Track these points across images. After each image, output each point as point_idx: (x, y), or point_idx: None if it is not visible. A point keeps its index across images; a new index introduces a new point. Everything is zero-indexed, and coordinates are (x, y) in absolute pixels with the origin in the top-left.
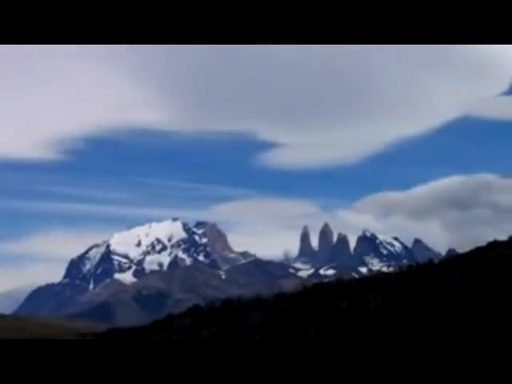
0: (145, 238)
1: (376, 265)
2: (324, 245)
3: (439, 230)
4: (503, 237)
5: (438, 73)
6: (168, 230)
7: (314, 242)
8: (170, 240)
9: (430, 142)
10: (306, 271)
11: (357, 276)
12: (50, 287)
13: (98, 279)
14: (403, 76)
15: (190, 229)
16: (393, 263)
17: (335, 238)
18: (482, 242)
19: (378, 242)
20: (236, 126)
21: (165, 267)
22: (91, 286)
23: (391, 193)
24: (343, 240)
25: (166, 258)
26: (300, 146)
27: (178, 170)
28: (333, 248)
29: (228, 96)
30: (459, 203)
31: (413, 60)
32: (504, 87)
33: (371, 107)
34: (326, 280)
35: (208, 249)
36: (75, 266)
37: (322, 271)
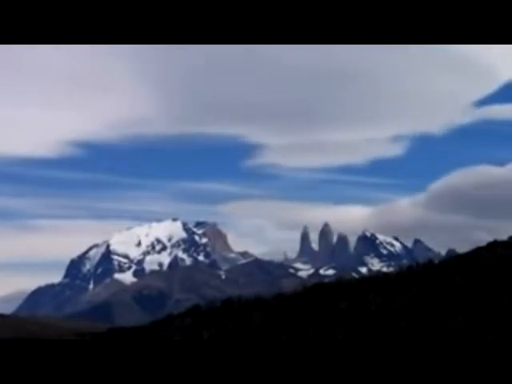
0: (145, 237)
1: (376, 265)
2: (324, 245)
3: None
4: (503, 237)
5: (442, 73)
6: (168, 229)
7: (314, 241)
8: (170, 240)
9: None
10: (306, 271)
11: (357, 276)
12: (49, 287)
13: (98, 279)
14: (404, 76)
15: (190, 229)
16: (393, 263)
17: (335, 238)
18: (482, 242)
19: (377, 242)
20: (235, 127)
21: (165, 267)
22: (91, 286)
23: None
24: (343, 240)
25: (166, 258)
26: (299, 148)
27: (178, 170)
28: (333, 248)
29: (226, 98)
30: None
31: (413, 59)
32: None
33: (367, 109)
34: (326, 280)
35: (208, 249)
36: (75, 265)
37: (322, 271)
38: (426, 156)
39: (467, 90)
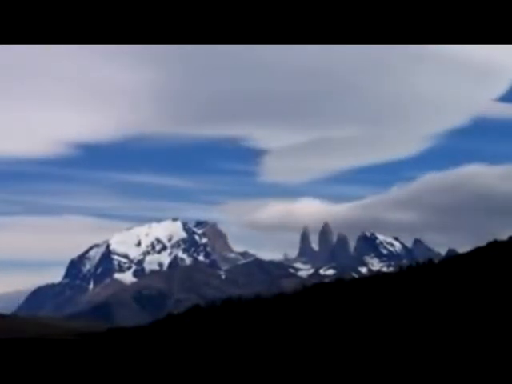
0: (145, 237)
1: (376, 265)
2: (324, 245)
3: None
4: (503, 237)
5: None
6: (168, 229)
7: (314, 241)
8: (170, 240)
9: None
10: (306, 271)
11: (357, 276)
12: (49, 287)
13: (98, 279)
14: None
15: (189, 229)
16: (393, 263)
17: (335, 238)
18: (483, 242)
19: (377, 241)
20: (233, 127)
21: (165, 267)
22: (91, 286)
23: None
24: (343, 240)
25: (166, 258)
26: (296, 148)
27: (178, 171)
28: (333, 248)
29: (224, 100)
30: None
31: (414, 60)
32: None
33: (366, 111)
34: (326, 280)
35: (208, 249)
36: (75, 266)
37: (321, 271)
38: (431, 157)
39: (475, 90)
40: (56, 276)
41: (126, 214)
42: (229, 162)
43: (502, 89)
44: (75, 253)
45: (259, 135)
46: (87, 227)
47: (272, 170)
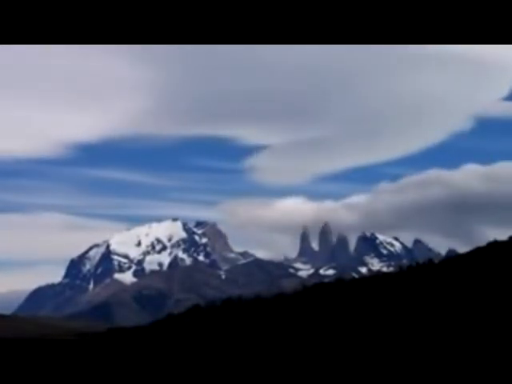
0: (145, 237)
1: (376, 265)
2: (324, 245)
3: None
4: (503, 237)
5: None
6: (168, 229)
7: (314, 241)
8: (170, 240)
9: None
10: (306, 271)
11: (357, 276)
12: (49, 287)
13: (98, 279)
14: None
15: (189, 229)
16: (393, 263)
17: (335, 238)
18: (482, 242)
19: (377, 241)
20: (232, 127)
21: (165, 267)
22: (91, 286)
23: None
24: (343, 240)
25: (166, 258)
26: (294, 147)
27: (178, 171)
28: (333, 248)
29: (223, 99)
30: None
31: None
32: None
33: (365, 110)
34: (326, 280)
35: (208, 249)
36: (75, 266)
37: (321, 271)
38: (431, 157)
39: (477, 89)
40: (56, 276)
41: (123, 213)
42: (227, 162)
43: (504, 89)
44: (75, 253)
45: (259, 135)
46: (86, 227)
47: (271, 170)
